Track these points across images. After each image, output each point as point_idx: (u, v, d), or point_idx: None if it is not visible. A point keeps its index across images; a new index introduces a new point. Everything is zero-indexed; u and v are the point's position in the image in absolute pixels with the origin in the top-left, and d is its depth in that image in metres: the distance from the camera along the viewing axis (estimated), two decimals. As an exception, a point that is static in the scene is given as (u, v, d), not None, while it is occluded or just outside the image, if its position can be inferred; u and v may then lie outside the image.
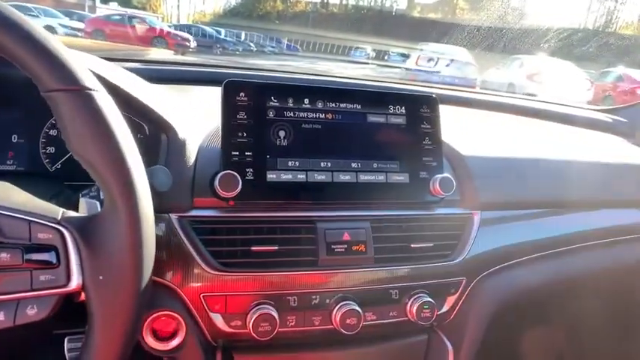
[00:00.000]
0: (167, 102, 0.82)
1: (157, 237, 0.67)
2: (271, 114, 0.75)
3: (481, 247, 0.83)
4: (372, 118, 0.80)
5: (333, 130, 0.78)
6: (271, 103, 0.75)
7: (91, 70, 0.51)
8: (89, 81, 0.47)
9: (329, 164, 0.76)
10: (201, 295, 0.68)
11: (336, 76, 1.36)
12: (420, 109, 0.83)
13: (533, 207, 0.94)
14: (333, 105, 0.78)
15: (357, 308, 0.72)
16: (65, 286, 0.45)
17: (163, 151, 0.73)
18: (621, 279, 1.04)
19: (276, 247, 0.71)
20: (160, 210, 0.68)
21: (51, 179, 0.83)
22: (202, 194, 0.71)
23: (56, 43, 0.46)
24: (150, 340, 0.66)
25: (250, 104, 0.74)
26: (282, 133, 0.75)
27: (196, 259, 0.68)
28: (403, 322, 0.77)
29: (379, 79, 1.58)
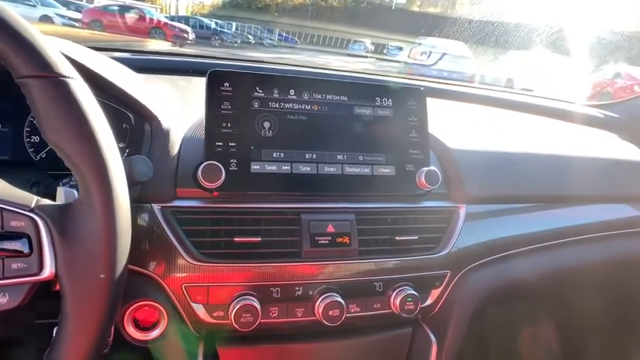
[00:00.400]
0: (153, 91, 0.81)
1: (139, 227, 0.67)
2: (256, 104, 0.74)
3: (466, 240, 0.83)
4: (358, 110, 0.80)
5: (319, 121, 0.77)
6: (256, 94, 0.74)
7: (69, 58, 0.51)
8: (63, 68, 0.47)
9: (314, 156, 0.76)
10: (183, 286, 0.68)
11: (330, 69, 1.35)
12: (407, 101, 0.82)
13: (521, 201, 0.94)
14: (319, 96, 0.78)
15: (341, 300, 0.72)
16: (37, 274, 0.45)
17: (147, 141, 0.72)
18: (609, 274, 1.05)
19: (260, 239, 0.71)
20: (141, 200, 0.68)
21: (35, 168, 0.83)
22: (185, 184, 0.71)
23: (30, 29, 0.46)
24: (131, 330, 0.66)
25: (235, 94, 0.73)
26: (267, 124, 0.74)
27: (178, 249, 0.68)
28: (387, 314, 0.77)
29: (375, 73, 1.57)
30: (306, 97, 0.77)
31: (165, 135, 0.72)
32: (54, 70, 0.45)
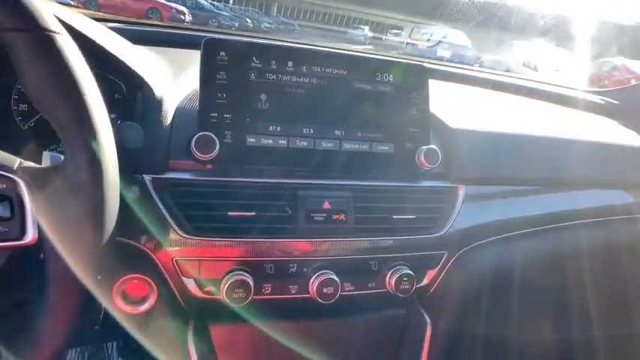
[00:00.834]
0: (146, 61, 0.78)
1: (130, 199, 0.65)
2: (253, 75, 0.72)
3: (464, 221, 0.82)
4: (358, 85, 0.77)
5: (318, 95, 0.75)
6: (253, 64, 0.72)
7: (60, 19, 0.48)
8: (51, 23, 0.44)
9: (311, 131, 0.74)
10: (175, 259, 0.66)
11: (328, 46, 1.33)
12: (408, 77, 0.80)
13: (520, 184, 0.93)
14: (319, 69, 0.75)
15: (335, 277, 0.70)
16: (19, 239, 0.43)
17: (139, 110, 0.70)
18: (605, 259, 1.04)
19: (254, 213, 0.69)
20: (133, 170, 0.65)
21: (25, 137, 0.80)
22: (178, 156, 0.69)
23: None
24: (120, 303, 0.65)
25: (231, 64, 0.70)
26: (263, 96, 0.72)
27: (170, 222, 0.66)
28: (382, 293, 0.76)
29: (375, 53, 1.54)
30: (304, 69, 0.74)
31: (157, 104, 0.69)
32: (41, 24, 0.43)
